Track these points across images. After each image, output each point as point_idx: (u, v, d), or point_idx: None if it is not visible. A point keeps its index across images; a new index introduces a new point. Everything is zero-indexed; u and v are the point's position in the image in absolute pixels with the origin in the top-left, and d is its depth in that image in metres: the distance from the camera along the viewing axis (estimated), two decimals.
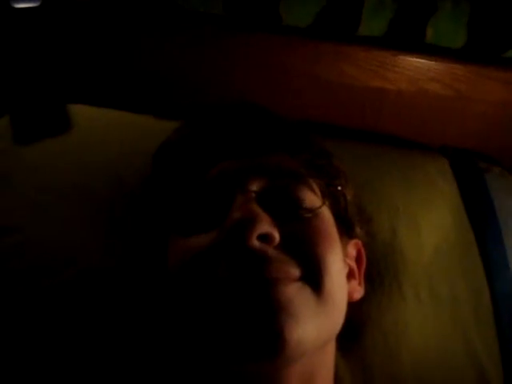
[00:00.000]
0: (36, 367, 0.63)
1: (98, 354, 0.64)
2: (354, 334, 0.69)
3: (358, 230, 0.68)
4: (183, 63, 0.94)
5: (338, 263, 0.57)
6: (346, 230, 0.64)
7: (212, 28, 0.91)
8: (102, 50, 0.93)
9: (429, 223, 0.81)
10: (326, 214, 0.60)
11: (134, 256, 0.68)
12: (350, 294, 0.62)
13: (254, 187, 0.57)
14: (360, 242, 0.69)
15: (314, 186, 0.61)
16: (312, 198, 0.59)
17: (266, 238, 0.52)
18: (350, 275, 0.65)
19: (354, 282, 0.65)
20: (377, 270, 0.73)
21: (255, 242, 0.51)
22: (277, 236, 0.53)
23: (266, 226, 0.52)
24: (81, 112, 0.88)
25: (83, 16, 0.91)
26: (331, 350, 0.59)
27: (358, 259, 0.68)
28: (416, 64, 0.90)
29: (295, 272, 0.52)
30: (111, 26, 0.92)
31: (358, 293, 0.65)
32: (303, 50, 0.93)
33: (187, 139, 0.66)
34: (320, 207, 0.59)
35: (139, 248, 0.68)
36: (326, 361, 0.58)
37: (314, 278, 0.52)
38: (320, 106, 0.97)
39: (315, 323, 0.50)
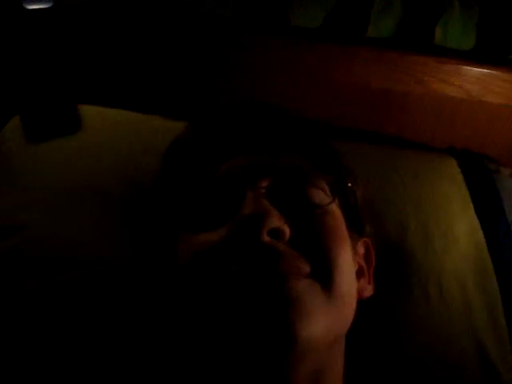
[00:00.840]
0: (46, 365, 0.64)
1: (110, 349, 0.64)
2: (362, 332, 0.68)
3: (367, 228, 0.68)
4: (192, 64, 0.94)
5: (348, 261, 0.58)
6: (356, 228, 0.64)
7: (221, 30, 0.91)
8: (111, 50, 0.94)
9: (437, 221, 0.81)
10: (336, 211, 0.60)
11: (145, 252, 0.68)
12: (359, 292, 0.62)
13: (264, 184, 0.57)
14: (369, 241, 0.68)
15: (324, 184, 0.61)
16: (321, 195, 0.60)
17: (276, 233, 0.52)
18: (360, 273, 0.64)
19: (364, 281, 0.65)
20: (386, 270, 0.72)
21: (266, 237, 0.51)
22: (287, 231, 0.53)
23: (276, 221, 0.52)
24: (91, 112, 0.88)
25: (93, 17, 0.91)
26: (341, 347, 0.59)
27: (367, 258, 0.67)
28: (425, 65, 0.90)
29: (305, 268, 0.52)
30: (121, 27, 0.92)
31: (368, 291, 0.65)
32: (312, 52, 0.93)
33: (198, 136, 0.67)
34: (329, 203, 0.59)
35: (149, 245, 0.68)
36: (336, 358, 0.58)
37: (324, 276, 0.53)
38: (328, 107, 0.97)
39: (325, 320, 0.50)
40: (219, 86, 0.95)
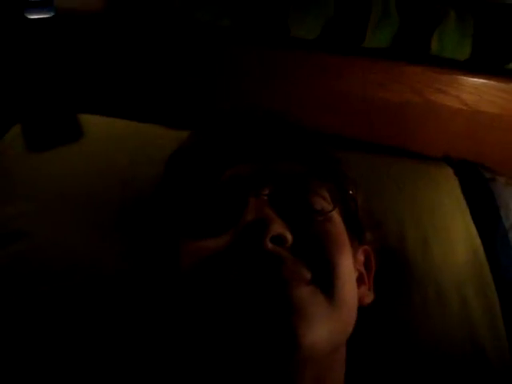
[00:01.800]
0: (47, 369, 0.63)
1: (109, 357, 0.64)
2: (362, 338, 0.69)
3: (368, 235, 0.69)
4: (191, 74, 0.95)
5: (349, 268, 0.58)
6: (357, 236, 0.65)
7: (220, 39, 0.92)
8: (112, 60, 0.94)
9: (435, 229, 0.82)
10: (337, 218, 0.61)
11: (146, 260, 0.69)
12: (360, 299, 0.62)
13: (267, 191, 0.57)
14: (369, 248, 0.69)
15: (325, 192, 0.62)
16: (323, 203, 0.60)
17: (278, 239, 0.53)
18: (360, 280, 0.65)
19: (364, 288, 0.65)
20: (385, 276, 0.73)
21: (269, 244, 0.52)
22: (289, 238, 0.53)
23: (279, 227, 0.53)
24: (92, 122, 0.89)
25: (95, 27, 0.92)
26: (342, 353, 0.59)
27: (366, 265, 0.68)
28: (421, 75, 0.92)
29: (307, 275, 0.52)
30: (121, 36, 0.93)
31: (368, 298, 0.65)
32: (309, 63, 0.94)
33: (201, 143, 0.67)
34: (331, 211, 0.59)
35: (151, 252, 0.68)
36: (337, 365, 0.58)
37: (325, 282, 0.53)
38: (324, 117, 0.97)
39: (327, 327, 0.51)
40: (219, 96, 0.96)
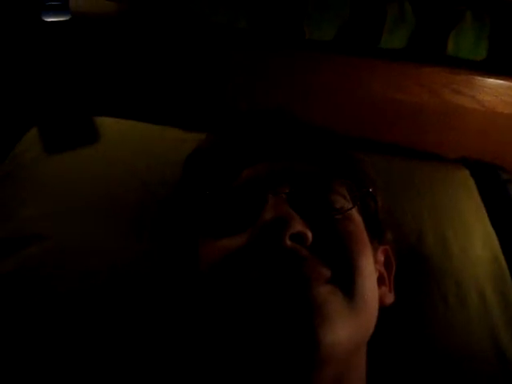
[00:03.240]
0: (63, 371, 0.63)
1: (128, 356, 0.64)
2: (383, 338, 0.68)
3: (388, 235, 0.68)
4: (208, 76, 0.95)
5: (370, 267, 0.57)
6: (376, 235, 0.64)
7: (238, 42, 0.93)
8: (127, 63, 0.95)
9: (454, 230, 0.82)
10: (357, 217, 0.60)
11: (164, 260, 0.68)
12: (380, 300, 0.61)
13: (286, 189, 0.57)
14: (388, 248, 0.68)
15: (344, 190, 0.61)
16: (342, 201, 0.60)
17: (298, 238, 0.52)
18: (380, 281, 0.64)
19: (385, 288, 0.64)
20: (404, 276, 0.72)
21: (289, 242, 0.51)
22: (310, 236, 0.53)
23: (299, 225, 0.52)
24: (108, 124, 0.89)
25: (110, 29, 0.92)
26: (363, 353, 0.58)
27: (387, 265, 0.67)
28: (438, 76, 0.91)
29: (327, 273, 0.52)
30: (137, 39, 0.93)
31: (389, 298, 0.64)
32: (325, 64, 0.94)
33: (219, 143, 0.67)
34: (350, 209, 0.59)
35: (169, 252, 0.68)
36: (358, 365, 0.58)
37: (346, 281, 0.52)
38: (341, 119, 0.97)
39: (348, 327, 0.50)
40: (236, 99, 0.96)
